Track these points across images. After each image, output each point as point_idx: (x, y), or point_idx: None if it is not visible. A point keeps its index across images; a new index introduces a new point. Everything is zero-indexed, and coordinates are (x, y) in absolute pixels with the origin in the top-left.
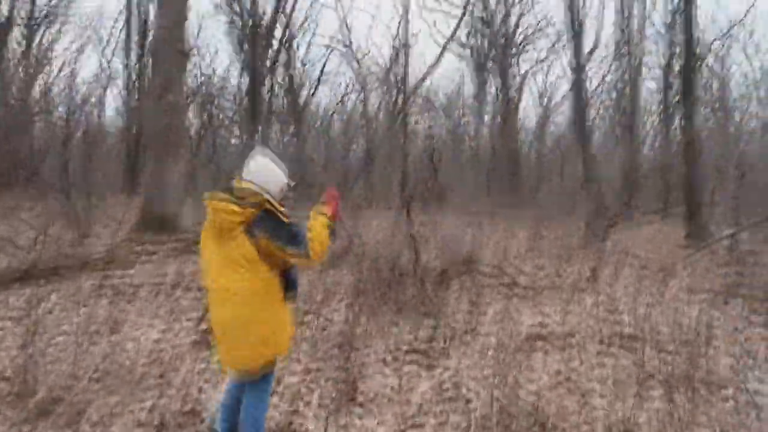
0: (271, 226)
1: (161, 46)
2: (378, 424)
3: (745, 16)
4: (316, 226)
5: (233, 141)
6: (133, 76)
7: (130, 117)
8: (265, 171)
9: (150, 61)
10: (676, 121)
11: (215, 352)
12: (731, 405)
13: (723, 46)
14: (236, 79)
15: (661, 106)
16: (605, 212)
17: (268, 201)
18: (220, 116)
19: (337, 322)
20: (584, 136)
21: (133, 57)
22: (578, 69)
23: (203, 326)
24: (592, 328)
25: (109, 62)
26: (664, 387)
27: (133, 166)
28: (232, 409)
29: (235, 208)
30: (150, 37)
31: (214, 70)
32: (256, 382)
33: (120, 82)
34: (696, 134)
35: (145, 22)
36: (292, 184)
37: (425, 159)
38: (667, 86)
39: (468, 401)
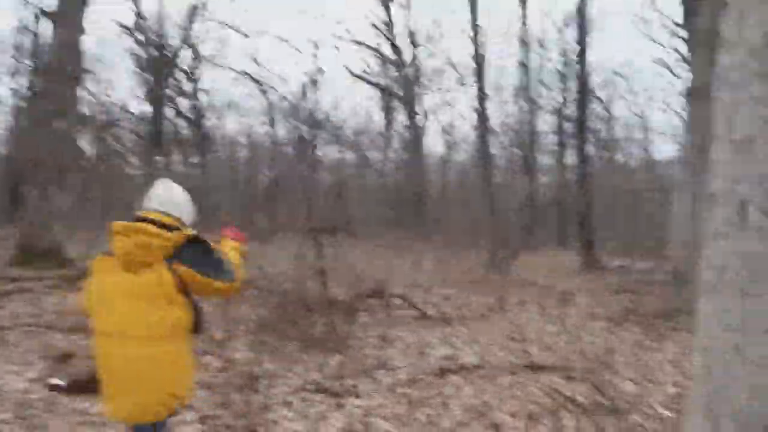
0: (198, 255)
1: (52, 69)
2: None
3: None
4: (229, 252)
5: (131, 172)
6: (22, 103)
7: (15, 144)
8: (177, 199)
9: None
10: (569, 158)
11: (106, 401)
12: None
13: (607, 92)
14: (136, 107)
15: (557, 145)
16: (507, 243)
17: (190, 229)
18: (118, 145)
19: (239, 362)
20: (487, 170)
21: (24, 82)
22: (481, 107)
23: (84, 371)
24: (501, 358)
25: None
26: (575, 416)
27: (15, 197)
28: None
29: (165, 233)
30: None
31: (110, 97)
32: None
33: (7, 109)
34: (589, 170)
35: (37, 45)
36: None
37: (333, 190)
38: (560, 127)
39: None
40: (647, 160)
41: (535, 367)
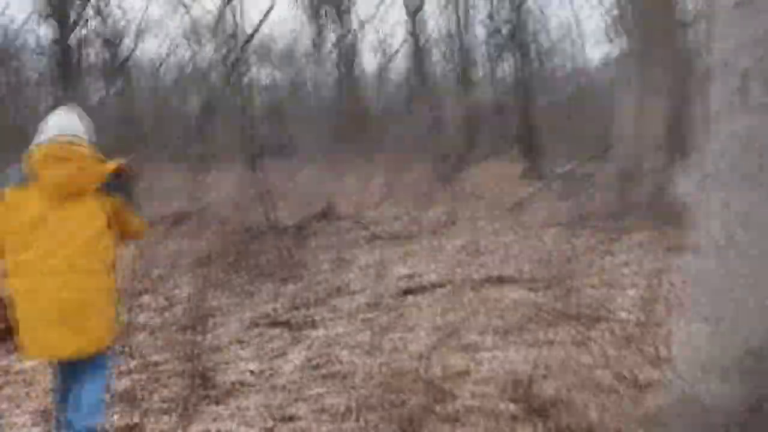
0: (126, 185)
1: None
2: (240, 424)
3: None
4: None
5: (43, 105)
6: None
7: None
8: (82, 125)
9: None
10: (505, 66)
11: (31, 340)
12: (608, 337)
13: None
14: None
15: (491, 52)
16: (450, 157)
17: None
18: (21, 74)
19: (181, 301)
20: (426, 82)
21: None
22: (414, 16)
23: None
24: (461, 273)
25: None
26: (543, 327)
27: None
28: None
29: (103, 159)
30: None
31: (11, 20)
32: (94, 363)
33: None
34: (527, 75)
35: None
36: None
37: (268, 112)
38: (494, 33)
39: (344, 377)
40: (583, 62)
41: (496, 280)
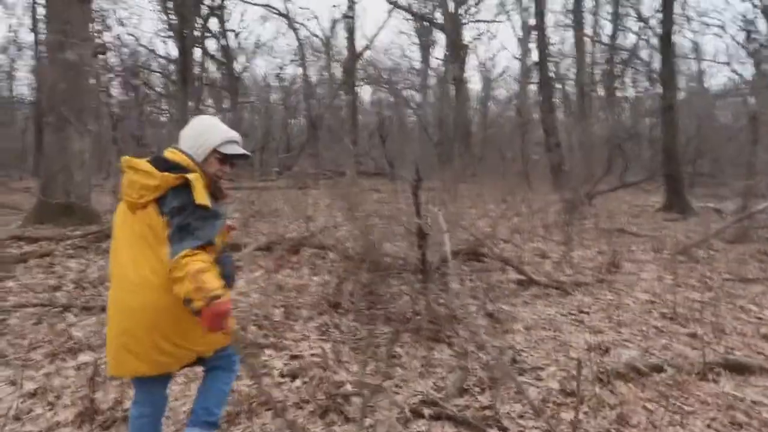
0: (177, 203)
1: None
2: None
3: None
4: (207, 266)
5: (162, 118)
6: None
7: (37, 81)
8: (193, 132)
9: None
10: (630, 91)
11: (108, 356)
12: None
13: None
14: (162, 50)
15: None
16: (579, 184)
17: (190, 172)
18: (147, 89)
19: (309, 362)
20: (548, 102)
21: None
22: (540, 29)
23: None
24: (670, 348)
25: (15, 30)
26: None
27: (41, 144)
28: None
29: (149, 168)
30: None
31: (137, 38)
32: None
33: (30, 51)
34: (673, 99)
35: None
36: (236, 152)
37: (378, 131)
38: (612, 55)
39: None
40: (730, 85)
41: (733, 367)
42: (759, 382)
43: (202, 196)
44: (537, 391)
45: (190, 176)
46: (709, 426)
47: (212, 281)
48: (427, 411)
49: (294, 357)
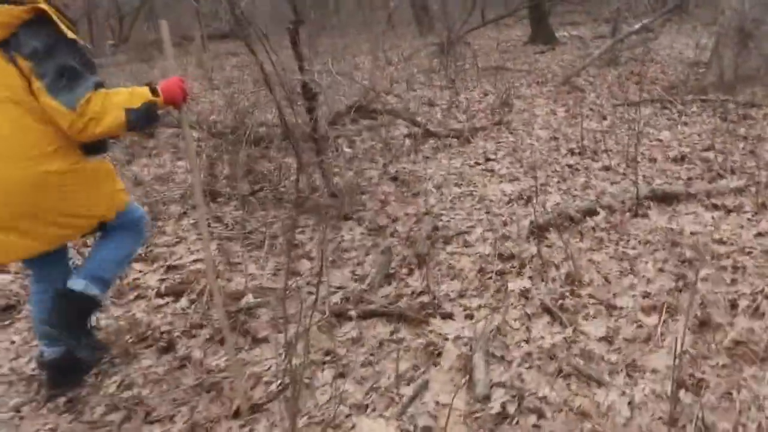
0: (39, 43)
1: None
2: None
3: None
4: (123, 92)
5: None
6: None
7: None
8: None
9: None
10: None
11: None
12: None
13: None
14: None
15: None
16: (450, 24)
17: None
18: None
19: (192, 272)
20: None
21: None
22: None
23: None
24: (595, 189)
25: None
26: None
27: None
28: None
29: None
30: None
31: None
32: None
33: None
34: None
35: None
36: None
37: None
38: None
39: None
40: None
41: (662, 199)
42: (687, 209)
43: (69, 29)
44: (470, 260)
45: (42, 5)
46: (661, 270)
47: (126, 100)
48: (353, 311)
49: (171, 268)
